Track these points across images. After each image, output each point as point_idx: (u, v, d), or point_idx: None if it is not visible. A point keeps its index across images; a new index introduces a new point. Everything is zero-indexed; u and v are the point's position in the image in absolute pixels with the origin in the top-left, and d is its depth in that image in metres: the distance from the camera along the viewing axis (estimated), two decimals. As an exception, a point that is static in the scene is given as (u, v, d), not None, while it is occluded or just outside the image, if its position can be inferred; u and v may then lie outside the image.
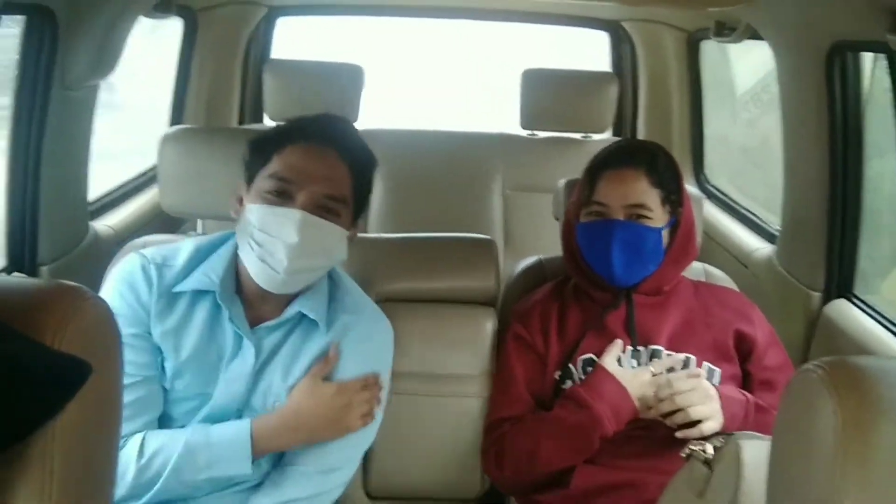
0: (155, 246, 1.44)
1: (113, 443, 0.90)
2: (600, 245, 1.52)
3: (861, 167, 1.96)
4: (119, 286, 1.35)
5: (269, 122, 2.93)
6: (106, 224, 2.21)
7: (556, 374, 1.54)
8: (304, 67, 2.88)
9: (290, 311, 1.37)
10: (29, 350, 0.78)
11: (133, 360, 1.31)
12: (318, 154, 1.34)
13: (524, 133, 2.94)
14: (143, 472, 1.28)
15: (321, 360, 1.37)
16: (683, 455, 1.00)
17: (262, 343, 1.36)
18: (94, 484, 0.87)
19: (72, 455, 0.80)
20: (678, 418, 1.41)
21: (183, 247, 1.41)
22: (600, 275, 1.55)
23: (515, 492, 1.60)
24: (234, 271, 1.38)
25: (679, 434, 1.40)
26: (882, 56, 1.80)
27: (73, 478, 0.81)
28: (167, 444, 1.29)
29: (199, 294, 1.36)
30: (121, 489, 1.27)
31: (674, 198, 1.54)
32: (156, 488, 1.28)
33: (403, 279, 1.74)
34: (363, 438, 1.43)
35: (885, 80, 1.77)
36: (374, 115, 3.09)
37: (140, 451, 1.28)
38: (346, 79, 2.83)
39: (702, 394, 1.42)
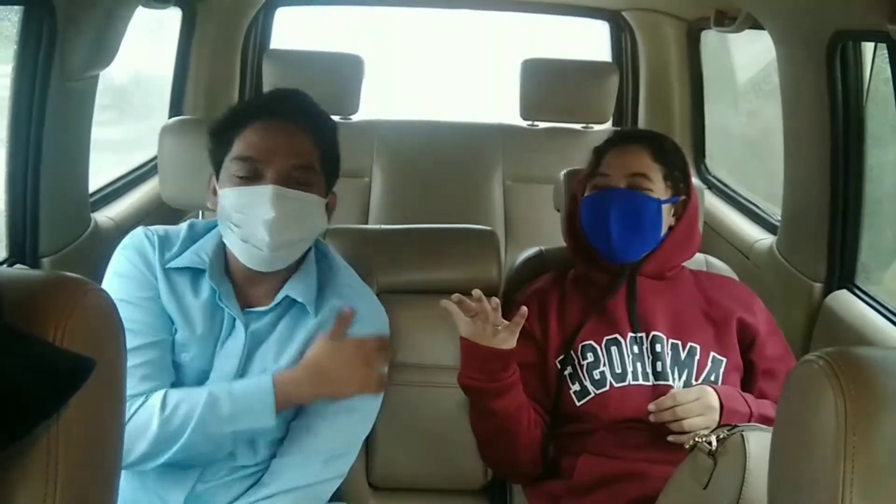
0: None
1: (117, 432, 0.91)
2: (600, 215, 1.54)
3: (862, 157, 1.96)
4: (126, 252, 1.38)
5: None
6: (107, 216, 2.20)
7: (558, 361, 1.54)
8: (303, 58, 2.87)
9: (280, 296, 1.39)
10: (35, 350, 0.78)
11: (144, 321, 1.32)
12: (277, 128, 1.35)
13: (524, 123, 2.94)
14: (167, 424, 1.28)
15: (314, 341, 1.37)
16: (687, 446, 1.00)
17: (252, 326, 1.38)
18: (98, 473, 0.87)
19: (76, 445, 0.81)
20: (673, 427, 1.42)
21: (182, 227, 1.44)
22: (599, 249, 1.55)
23: (514, 479, 1.63)
24: (224, 254, 1.40)
25: (670, 438, 1.41)
26: (883, 46, 1.79)
27: (78, 467, 0.81)
28: (189, 397, 1.30)
29: (198, 273, 1.38)
30: (142, 445, 1.27)
31: (677, 175, 1.56)
32: (180, 443, 1.28)
33: (405, 270, 1.74)
34: (362, 425, 1.44)
35: (886, 70, 1.76)
36: (374, 105, 3.08)
37: (163, 404, 1.29)
38: (346, 69, 2.82)
39: (703, 404, 1.41)
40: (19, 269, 1.74)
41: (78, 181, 2.02)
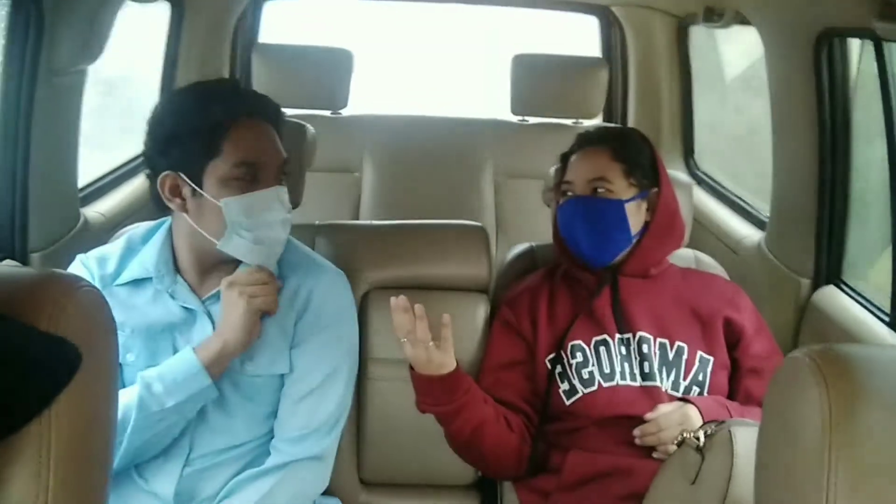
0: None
1: (108, 429, 0.91)
2: (568, 224, 1.56)
3: (849, 154, 1.97)
4: None
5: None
6: (96, 211, 2.19)
7: (548, 360, 1.55)
8: (292, 52, 2.86)
9: None
10: (22, 334, 0.78)
11: None
12: (261, 128, 1.38)
13: (515, 119, 2.94)
14: None
15: (280, 315, 1.41)
16: (675, 442, 1.01)
17: (213, 311, 1.42)
18: (90, 471, 0.87)
19: (68, 443, 0.81)
20: (659, 448, 1.43)
21: (117, 244, 1.48)
22: (575, 255, 1.57)
23: (498, 478, 1.65)
24: (170, 255, 1.43)
25: (655, 455, 1.41)
26: (869, 42, 1.81)
27: (70, 465, 0.82)
28: (125, 391, 1.34)
29: (137, 283, 1.42)
30: None
31: (639, 170, 1.56)
32: (128, 431, 1.31)
33: (395, 267, 1.74)
34: (336, 418, 1.45)
35: (873, 67, 1.78)
36: (363, 100, 3.08)
37: None
38: (335, 63, 2.81)
39: (686, 428, 1.36)
40: (8, 265, 1.74)
41: (67, 176, 2.01)
